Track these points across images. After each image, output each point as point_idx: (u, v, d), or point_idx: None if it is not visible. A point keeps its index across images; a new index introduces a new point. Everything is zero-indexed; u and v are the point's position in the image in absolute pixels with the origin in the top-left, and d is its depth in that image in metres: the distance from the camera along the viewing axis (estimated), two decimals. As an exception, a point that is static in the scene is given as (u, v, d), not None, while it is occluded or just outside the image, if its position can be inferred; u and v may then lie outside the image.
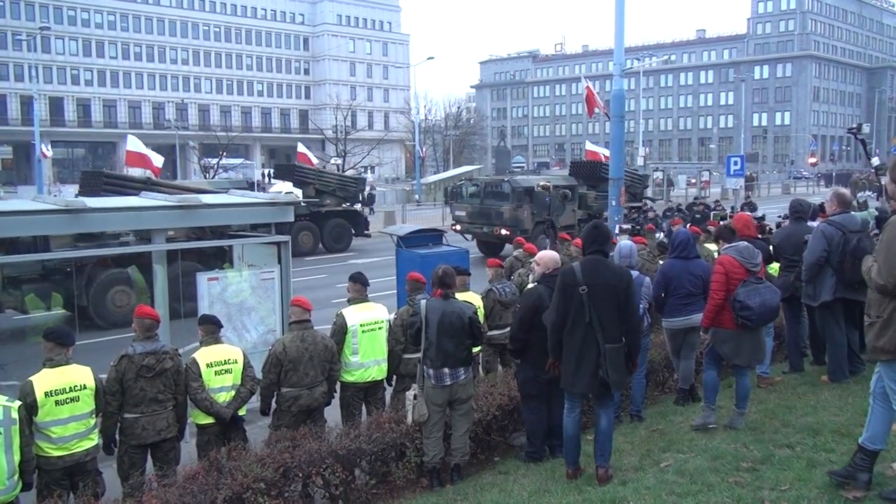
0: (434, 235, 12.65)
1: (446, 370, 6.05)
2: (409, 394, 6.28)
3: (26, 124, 64.55)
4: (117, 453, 5.81)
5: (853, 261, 6.67)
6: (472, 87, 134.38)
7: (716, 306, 6.35)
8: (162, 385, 5.78)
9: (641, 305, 7.08)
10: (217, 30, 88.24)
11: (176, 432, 5.98)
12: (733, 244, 6.51)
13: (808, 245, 7.29)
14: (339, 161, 55.65)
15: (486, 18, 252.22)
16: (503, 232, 21.53)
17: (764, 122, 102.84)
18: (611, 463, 5.46)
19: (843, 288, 7.06)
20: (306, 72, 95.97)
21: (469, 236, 22.90)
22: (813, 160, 78.72)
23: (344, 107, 66.51)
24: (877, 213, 6.89)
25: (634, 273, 7.09)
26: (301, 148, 31.16)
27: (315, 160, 29.43)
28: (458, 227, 23.04)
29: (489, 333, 8.30)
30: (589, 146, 29.38)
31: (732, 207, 25.11)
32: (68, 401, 5.23)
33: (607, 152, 30.60)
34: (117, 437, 5.80)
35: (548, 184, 24.54)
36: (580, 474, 5.50)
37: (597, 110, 22.26)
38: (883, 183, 8.06)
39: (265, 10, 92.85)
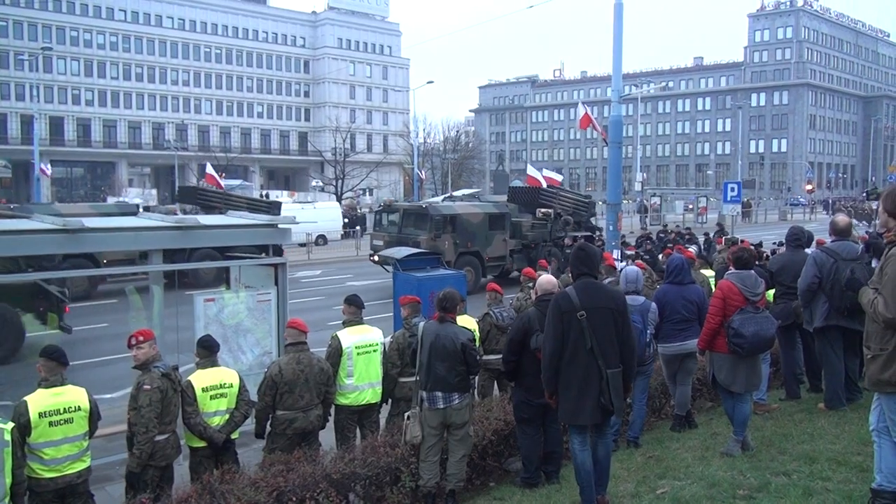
0: (431, 259, 12.68)
1: (439, 393, 6.03)
2: (406, 414, 6.28)
3: (26, 143, 64.73)
4: (140, 477, 5.66)
5: (840, 289, 6.75)
6: (471, 111, 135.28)
7: (711, 330, 6.37)
8: (178, 401, 5.84)
9: (649, 331, 7.07)
10: (218, 52, 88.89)
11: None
12: (736, 271, 6.52)
13: (802, 272, 7.32)
14: (320, 184, 55.81)
15: (485, 44, 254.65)
16: None
17: (761, 149, 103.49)
18: (607, 490, 5.42)
19: (836, 315, 7.07)
20: (306, 94, 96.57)
21: (389, 267, 20.96)
22: (809, 187, 79.17)
23: (343, 129, 66.86)
24: (867, 235, 6.95)
25: (641, 299, 7.09)
26: (209, 169, 29.69)
27: (223, 183, 28.17)
28: (377, 258, 20.83)
29: (485, 358, 8.28)
30: (530, 171, 28.05)
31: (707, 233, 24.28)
32: (62, 422, 5.19)
33: (556, 176, 30.01)
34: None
35: (548, 210, 24.00)
36: None
37: (595, 133, 21.87)
38: (874, 208, 8.15)
39: (266, 32, 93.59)
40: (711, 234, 23.21)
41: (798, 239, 8.25)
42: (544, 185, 25.96)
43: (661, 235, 23.82)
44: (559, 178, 30.04)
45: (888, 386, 4.23)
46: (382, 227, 21.90)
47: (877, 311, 4.22)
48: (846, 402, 7.29)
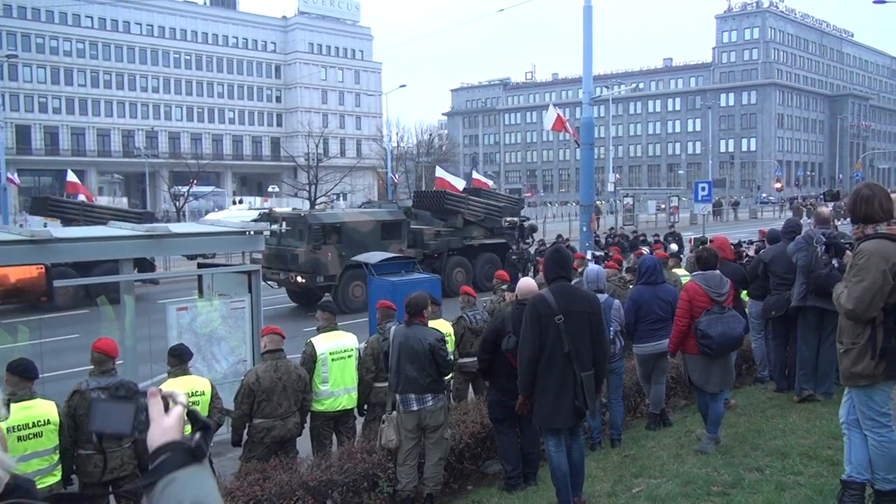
0: (406, 263, 12.68)
1: (412, 395, 6.05)
2: (383, 417, 6.28)
3: (-8, 153, 63.58)
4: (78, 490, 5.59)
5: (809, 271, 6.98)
6: (443, 114, 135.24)
7: (680, 332, 6.44)
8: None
9: (612, 328, 7.14)
10: (188, 58, 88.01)
11: (134, 469, 5.72)
12: (701, 272, 6.58)
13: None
14: (274, 190, 55.46)
15: (457, 47, 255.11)
16: (299, 279, 17.64)
17: (730, 149, 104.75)
18: (583, 489, 5.45)
19: (812, 296, 7.19)
20: (278, 99, 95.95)
21: (274, 283, 18.43)
22: (778, 185, 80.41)
23: (316, 134, 66.46)
24: (824, 238, 7.16)
25: (603, 296, 7.17)
26: (71, 176, 27.12)
27: (90, 194, 25.84)
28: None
29: (460, 361, 8.31)
30: (439, 173, 26.23)
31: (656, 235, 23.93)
32: (31, 436, 5.11)
33: (485, 179, 29.15)
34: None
35: (514, 218, 23.59)
36: None
37: (568, 135, 21.70)
38: (830, 209, 8.52)
39: (236, 38, 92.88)
40: (662, 236, 23.21)
41: (793, 231, 8.38)
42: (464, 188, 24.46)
43: (610, 240, 23.80)
44: (490, 182, 29.22)
45: (861, 379, 4.32)
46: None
47: (840, 302, 4.33)
48: (818, 393, 7.40)
